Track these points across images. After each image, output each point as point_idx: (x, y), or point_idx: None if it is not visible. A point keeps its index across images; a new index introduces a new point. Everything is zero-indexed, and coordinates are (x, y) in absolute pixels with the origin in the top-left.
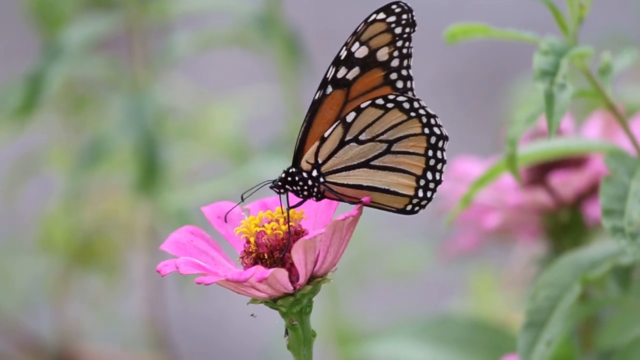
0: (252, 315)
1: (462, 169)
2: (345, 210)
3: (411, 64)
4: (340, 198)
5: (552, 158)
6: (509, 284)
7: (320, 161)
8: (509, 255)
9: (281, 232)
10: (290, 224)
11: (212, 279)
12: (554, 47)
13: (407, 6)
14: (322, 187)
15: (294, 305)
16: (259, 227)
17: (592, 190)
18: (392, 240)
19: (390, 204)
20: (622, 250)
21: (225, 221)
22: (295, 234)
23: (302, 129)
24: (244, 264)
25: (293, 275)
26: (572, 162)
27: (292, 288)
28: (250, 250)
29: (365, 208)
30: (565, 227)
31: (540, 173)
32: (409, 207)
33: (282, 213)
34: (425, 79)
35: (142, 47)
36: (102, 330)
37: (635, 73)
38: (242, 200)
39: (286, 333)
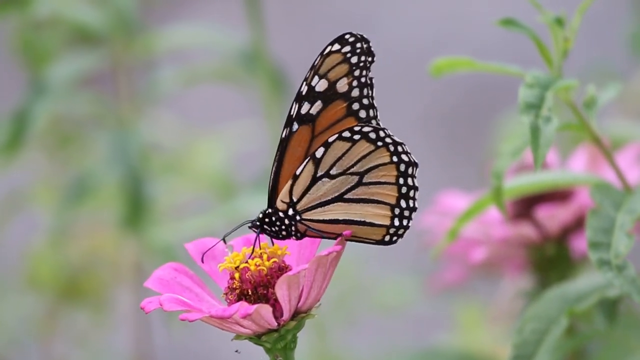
0: (236, 351)
1: (448, 203)
2: (328, 246)
3: (373, 93)
4: (321, 235)
5: (538, 191)
6: (495, 318)
7: (295, 199)
8: (496, 289)
9: (265, 269)
10: (274, 260)
11: (196, 315)
12: (539, 80)
13: (360, 35)
14: (299, 225)
15: (278, 341)
16: (243, 263)
17: (578, 224)
18: (379, 275)
19: (369, 236)
20: (609, 283)
21: (203, 260)
22: (279, 270)
23: (274, 168)
24: (228, 300)
25: (277, 311)
26: (558, 195)
27: (276, 324)
28: (234, 286)
29: (348, 244)
30: (551, 260)
31: (526, 206)
32: (387, 238)
33: (263, 249)
34: (413, 114)
35: (128, 83)
36: None
37: (620, 106)
38: (225, 242)
39: None
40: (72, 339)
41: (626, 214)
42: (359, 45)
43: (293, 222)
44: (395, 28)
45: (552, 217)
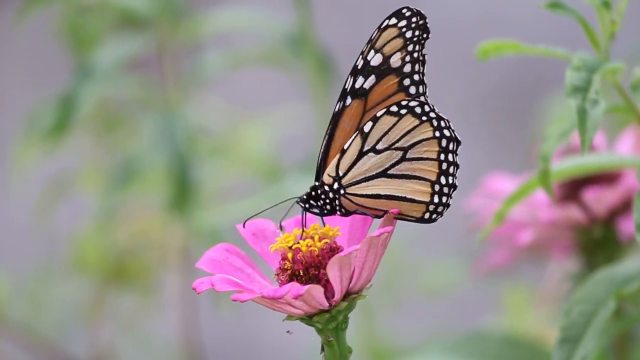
0: (287, 332)
1: (495, 186)
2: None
3: (424, 70)
4: (363, 212)
5: (585, 174)
6: (542, 301)
7: (341, 173)
8: (543, 272)
9: (316, 249)
10: (325, 240)
11: (247, 296)
12: (586, 62)
13: (417, 10)
14: (343, 199)
15: (329, 321)
16: (295, 243)
17: (625, 206)
18: (425, 257)
19: (409, 213)
20: None
21: (253, 241)
22: (331, 251)
23: (324, 142)
24: (280, 281)
25: (328, 292)
26: (605, 177)
27: (327, 304)
28: (286, 267)
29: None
30: (598, 242)
31: (573, 189)
32: (427, 215)
33: (315, 230)
34: (453, 98)
35: (174, 67)
36: (136, 352)
37: None
38: (280, 228)
39: (322, 350)
40: (118, 323)
41: None
42: (414, 20)
43: (337, 196)
44: (438, 10)
45: (599, 199)
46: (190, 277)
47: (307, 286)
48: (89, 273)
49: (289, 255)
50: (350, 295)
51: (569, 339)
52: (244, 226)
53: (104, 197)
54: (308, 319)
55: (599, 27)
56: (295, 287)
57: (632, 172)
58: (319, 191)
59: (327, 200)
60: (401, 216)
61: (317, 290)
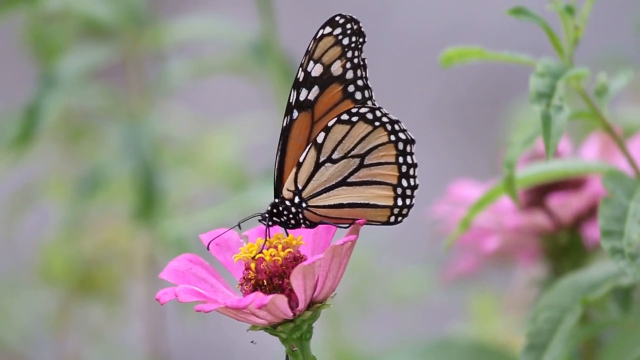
0: (252, 342)
1: (460, 193)
2: (343, 235)
3: (366, 74)
4: (327, 222)
5: (550, 180)
6: (509, 307)
7: (300, 187)
8: (509, 278)
9: (280, 259)
10: (289, 250)
11: (211, 306)
12: (550, 69)
13: (350, 16)
14: (306, 212)
15: (294, 331)
16: (258, 253)
17: (590, 212)
18: (393, 265)
19: (374, 218)
20: (621, 271)
21: (216, 251)
22: (294, 260)
23: (277, 158)
24: (243, 291)
25: (292, 301)
26: (571, 183)
27: (291, 314)
28: (250, 277)
29: (361, 235)
30: (564, 249)
31: (538, 195)
32: (392, 219)
33: (278, 240)
34: (425, 102)
35: (138, 76)
36: None
37: (632, 94)
38: (239, 228)
39: (287, 359)
40: (85, 333)
41: (639, 202)
42: (349, 26)
43: (300, 210)
44: (407, 17)
45: (564, 205)
46: (156, 286)
47: (270, 296)
48: (55, 283)
49: (253, 265)
50: (314, 305)
51: (535, 345)
52: (207, 236)
53: (70, 207)
54: (272, 328)
55: (563, 33)
56: (259, 297)
57: (597, 178)
58: (281, 207)
59: (290, 215)
60: (367, 222)
61: (280, 300)
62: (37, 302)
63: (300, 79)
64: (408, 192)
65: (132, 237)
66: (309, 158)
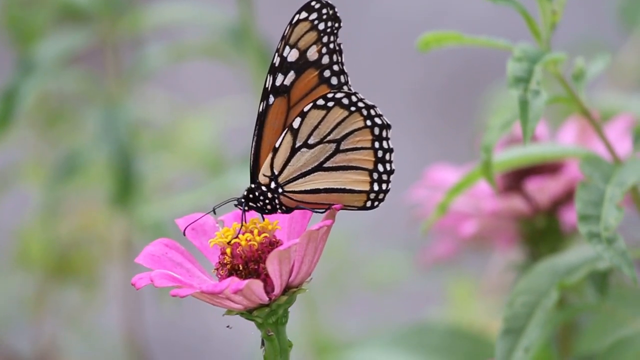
0: (227, 326)
1: (438, 177)
2: (319, 220)
3: (342, 59)
4: (303, 207)
5: (528, 164)
6: (487, 291)
7: (276, 172)
8: (487, 262)
9: (255, 244)
10: (265, 235)
11: (187, 291)
12: (527, 53)
13: (326, 1)
14: (282, 198)
15: (269, 316)
16: (234, 238)
17: (568, 196)
18: (370, 251)
19: (351, 203)
20: (598, 255)
21: (192, 235)
22: (270, 245)
23: (253, 143)
24: (219, 276)
25: (268, 286)
26: (548, 168)
27: (267, 299)
28: (225, 261)
29: (337, 220)
30: (541, 233)
31: (516, 179)
32: (368, 204)
33: (254, 224)
34: (405, 88)
35: (116, 61)
36: (80, 345)
37: (609, 78)
38: (215, 213)
39: (262, 344)
40: (62, 317)
41: (616, 187)
42: (325, 11)
43: (276, 195)
44: (388, 3)
45: (542, 189)
46: (133, 270)
47: (246, 281)
48: (32, 267)
49: (228, 250)
50: (290, 289)
51: (512, 330)
52: (183, 220)
53: (47, 191)
54: (248, 313)
55: (540, 18)
56: (234, 281)
57: (574, 163)
58: (257, 193)
59: (267, 201)
60: (343, 207)
61: (256, 284)
62: (14, 286)
63: (277, 64)
64: (384, 177)
65: (109, 222)
66: (285, 143)
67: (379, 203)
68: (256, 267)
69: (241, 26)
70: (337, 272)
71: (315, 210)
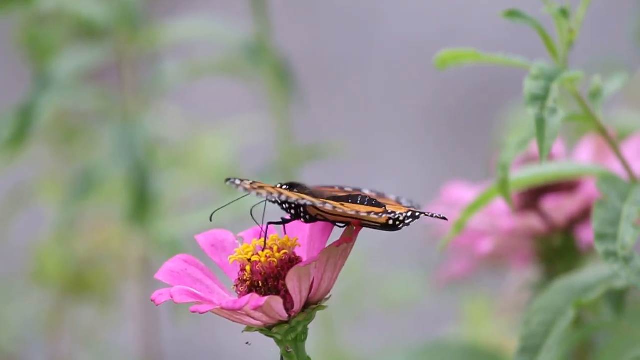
0: (247, 343)
1: (454, 195)
2: (338, 236)
3: None
4: (325, 217)
5: (544, 183)
6: (502, 310)
7: None
8: (503, 281)
9: (275, 260)
10: (284, 251)
11: (206, 307)
12: (544, 71)
13: None
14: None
15: (289, 332)
16: (254, 255)
17: (584, 215)
18: (386, 270)
19: (374, 220)
20: (615, 274)
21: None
22: (289, 262)
23: None
24: (239, 292)
25: (288, 303)
26: (564, 186)
27: (287, 315)
28: (245, 278)
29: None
30: (558, 251)
31: (532, 198)
32: (390, 222)
33: (274, 241)
34: (418, 108)
35: (132, 77)
36: None
37: (626, 97)
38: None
39: None
40: (78, 335)
41: (632, 205)
42: None
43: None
44: (399, 21)
45: (558, 208)
46: (150, 287)
47: (266, 297)
48: (48, 284)
49: (248, 266)
50: (309, 306)
51: (528, 348)
52: (202, 237)
53: (63, 208)
54: (267, 330)
55: (557, 36)
56: (254, 298)
57: (591, 181)
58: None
59: (293, 205)
60: (365, 223)
61: (276, 301)
62: (30, 304)
63: None
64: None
65: (125, 239)
66: None
67: (402, 225)
68: (276, 283)
69: (257, 42)
70: (353, 290)
71: (337, 223)
